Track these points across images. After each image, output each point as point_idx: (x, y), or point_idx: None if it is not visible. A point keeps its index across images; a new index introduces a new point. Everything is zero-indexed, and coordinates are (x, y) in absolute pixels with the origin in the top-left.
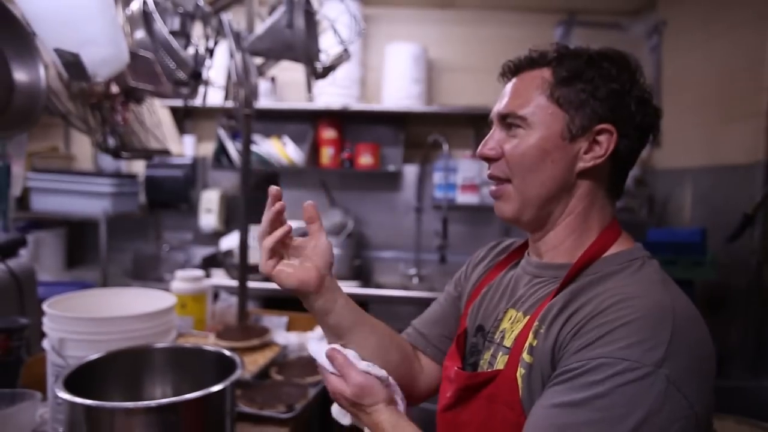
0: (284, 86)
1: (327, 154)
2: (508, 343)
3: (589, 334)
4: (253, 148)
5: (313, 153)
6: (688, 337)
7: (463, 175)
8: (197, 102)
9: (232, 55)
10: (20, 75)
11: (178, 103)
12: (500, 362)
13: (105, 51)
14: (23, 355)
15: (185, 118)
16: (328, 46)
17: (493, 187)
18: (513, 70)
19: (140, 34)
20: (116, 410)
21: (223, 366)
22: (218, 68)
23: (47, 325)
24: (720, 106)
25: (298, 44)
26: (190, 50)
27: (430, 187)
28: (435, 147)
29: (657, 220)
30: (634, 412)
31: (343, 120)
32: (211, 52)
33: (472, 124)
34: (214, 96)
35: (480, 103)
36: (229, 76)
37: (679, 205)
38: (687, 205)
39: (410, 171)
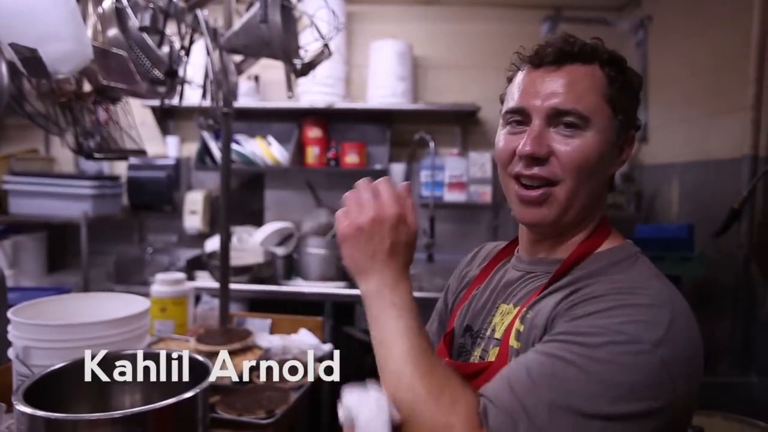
0: (267, 85)
1: (312, 153)
2: (498, 335)
3: (589, 307)
4: (238, 148)
5: (299, 152)
6: (683, 330)
7: (450, 173)
8: (174, 101)
9: (208, 53)
10: None
11: (156, 102)
12: (491, 354)
13: (66, 46)
14: None
15: (168, 119)
16: (307, 43)
17: (534, 192)
18: (555, 59)
19: (113, 31)
20: (79, 422)
21: (196, 372)
22: (196, 66)
23: (12, 333)
24: (706, 100)
25: (275, 40)
26: (165, 48)
27: (416, 186)
28: (421, 145)
29: (644, 216)
30: (623, 383)
31: (328, 119)
32: (187, 50)
33: (459, 121)
34: (192, 95)
35: (466, 101)
36: (206, 75)
37: (666, 201)
38: (674, 200)
39: (397, 169)
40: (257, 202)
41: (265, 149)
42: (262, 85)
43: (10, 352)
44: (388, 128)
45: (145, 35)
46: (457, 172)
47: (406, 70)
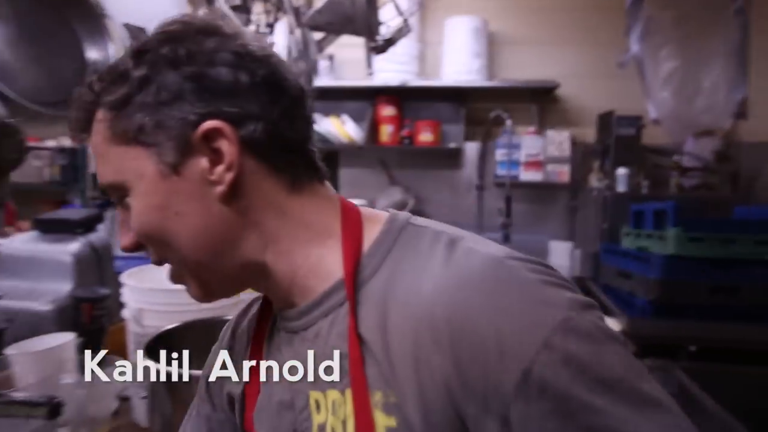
0: (342, 64)
1: (386, 131)
2: None
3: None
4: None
5: (372, 131)
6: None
7: (526, 151)
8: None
9: (291, 31)
10: (92, 53)
11: None
12: None
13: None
14: (105, 323)
15: None
16: (388, 19)
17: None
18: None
19: (202, 11)
20: (194, 377)
21: None
22: (278, 45)
23: (126, 295)
24: None
25: (359, 16)
26: (251, 27)
27: (491, 165)
28: (497, 123)
29: (743, 197)
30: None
31: (402, 97)
32: (271, 27)
33: (535, 98)
34: None
35: (543, 77)
36: (289, 53)
37: None
38: None
39: (471, 148)
40: (332, 180)
41: (339, 128)
42: (337, 63)
43: (125, 313)
44: (462, 106)
45: (232, 14)
46: (534, 151)
47: (481, 46)
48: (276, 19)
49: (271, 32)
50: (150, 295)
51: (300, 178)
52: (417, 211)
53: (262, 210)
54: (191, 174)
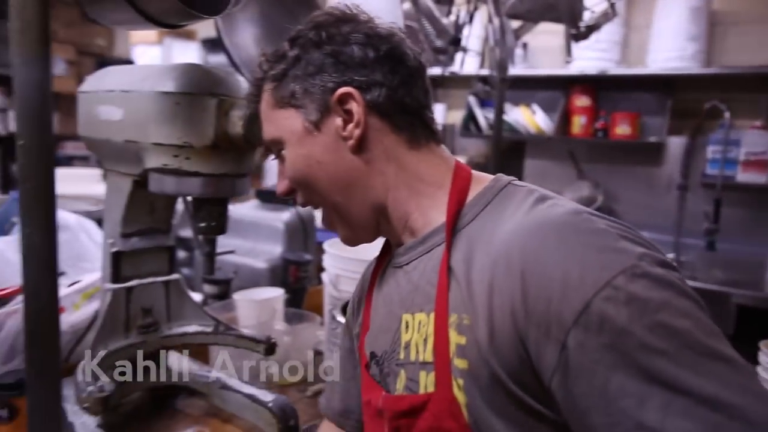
0: (536, 52)
1: (578, 122)
2: (426, 357)
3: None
4: (502, 115)
5: (564, 121)
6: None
7: (747, 149)
8: (454, 69)
9: (490, 20)
10: None
11: (435, 71)
12: (425, 383)
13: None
14: (306, 284)
15: (436, 87)
16: (592, 4)
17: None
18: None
19: (406, 5)
20: None
21: None
22: (473, 35)
23: (327, 262)
24: None
25: (562, 3)
26: (451, 17)
27: (700, 162)
28: (712, 116)
29: None
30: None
31: (599, 86)
32: (471, 17)
33: (765, 88)
34: (468, 63)
35: None
36: (485, 42)
37: None
38: None
39: (675, 143)
40: (517, 171)
41: (528, 117)
42: (530, 52)
43: (324, 277)
44: (669, 97)
45: (432, 6)
46: (758, 149)
47: (698, 28)
48: (476, 9)
49: (470, 22)
50: (348, 263)
51: (417, 138)
52: (606, 209)
53: (384, 161)
54: (329, 130)
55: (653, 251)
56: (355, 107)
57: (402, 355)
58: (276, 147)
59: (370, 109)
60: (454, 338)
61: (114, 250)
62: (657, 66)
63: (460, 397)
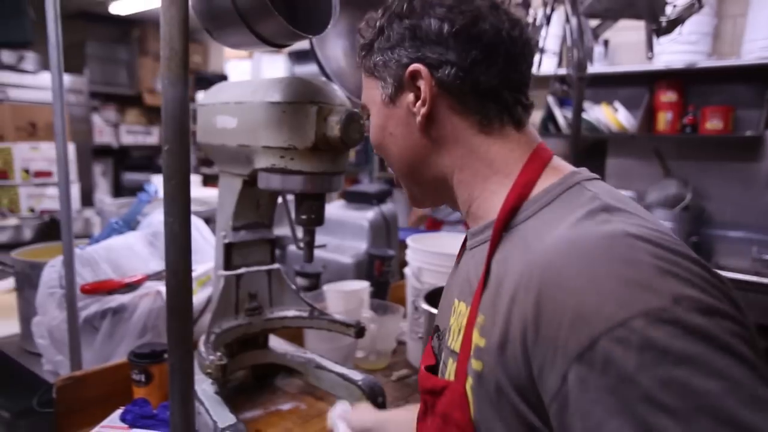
0: (617, 49)
1: (664, 119)
2: (455, 346)
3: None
4: (582, 114)
5: (648, 118)
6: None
7: None
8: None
9: (567, 20)
10: None
11: None
12: (449, 372)
13: None
14: (390, 278)
15: None
16: None
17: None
18: None
19: None
20: None
21: None
22: (551, 35)
23: (410, 255)
24: None
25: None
26: (529, 19)
27: None
28: None
29: None
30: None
31: (687, 80)
32: (548, 18)
33: None
34: (546, 63)
35: None
36: (563, 41)
37: None
38: None
39: None
40: (598, 170)
41: (610, 115)
42: (611, 49)
43: (407, 270)
44: (766, 88)
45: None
46: None
47: None
48: (553, 9)
49: (548, 23)
50: (430, 256)
51: (491, 121)
52: (696, 207)
53: (451, 142)
54: (402, 105)
55: (707, 296)
56: (423, 85)
57: (447, 337)
58: (366, 112)
59: (439, 88)
60: (476, 339)
61: (226, 241)
62: (753, 56)
63: (469, 395)
